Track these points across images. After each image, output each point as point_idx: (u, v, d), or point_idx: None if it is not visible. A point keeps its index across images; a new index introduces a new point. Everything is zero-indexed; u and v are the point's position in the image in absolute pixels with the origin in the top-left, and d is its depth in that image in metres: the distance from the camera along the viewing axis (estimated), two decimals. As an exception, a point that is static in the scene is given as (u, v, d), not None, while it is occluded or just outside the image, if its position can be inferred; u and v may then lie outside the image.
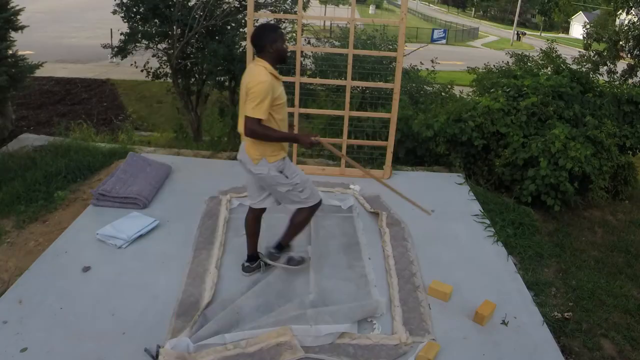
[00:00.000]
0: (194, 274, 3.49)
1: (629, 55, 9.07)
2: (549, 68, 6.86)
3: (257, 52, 3.09)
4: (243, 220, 3.56)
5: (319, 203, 3.35)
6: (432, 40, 33.50)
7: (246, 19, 5.71)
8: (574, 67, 6.81)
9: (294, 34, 6.84)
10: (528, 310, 3.41)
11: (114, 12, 6.42)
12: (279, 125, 3.10)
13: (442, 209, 4.65)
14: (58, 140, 5.73)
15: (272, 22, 7.83)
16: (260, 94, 2.89)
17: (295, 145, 5.22)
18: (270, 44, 3.01)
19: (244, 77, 3.07)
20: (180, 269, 3.55)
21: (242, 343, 2.81)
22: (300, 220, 3.37)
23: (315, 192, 3.32)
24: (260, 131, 2.96)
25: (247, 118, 2.94)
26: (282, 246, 3.49)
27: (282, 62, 3.12)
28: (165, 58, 6.74)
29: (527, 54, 7.73)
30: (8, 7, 6.15)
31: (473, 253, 4.03)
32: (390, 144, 5.18)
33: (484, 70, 7.22)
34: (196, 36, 6.27)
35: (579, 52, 9.25)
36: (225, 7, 6.36)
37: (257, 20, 7.47)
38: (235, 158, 5.61)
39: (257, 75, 2.94)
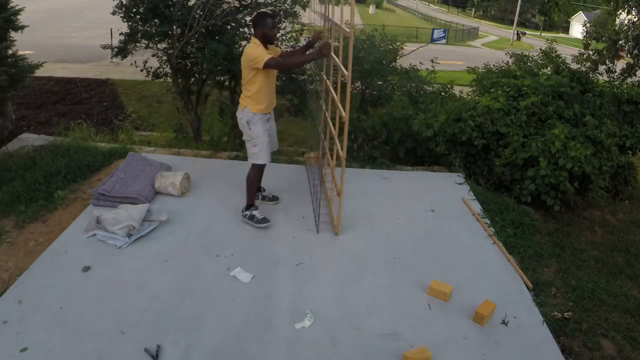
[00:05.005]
0: None
1: (628, 55, 9.05)
2: (549, 68, 6.86)
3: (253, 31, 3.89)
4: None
5: (264, 165, 4.07)
6: (432, 40, 33.48)
7: (247, 18, 5.71)
8: (574, 66, 6.79)
9: (294, 34, 6.83)
10: (528, 310, 3.41)
11: (114, 13, 6.40)
12: (267, 87, 3.83)
13: (442, 209, 4.66)
14: (58, 140, 5.72)
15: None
16: (254, 53, 3.66)
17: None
18: (259, 27, 3.76)
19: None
20: (180, 269, 3.56)
21: None
22: (248, 175, 4.10)
23: (264, 156, 3.97)
24: (276, 64, 3.71)
25: (264, 65, 3.65)
26: (247, 205, 4.17)
27: (268, 42, 3.82)
28: (165, 58, 6.73)
29: (527, 53, 7.71)
30: (8, 7, 6.14)
31: (473, 253, 4.02)
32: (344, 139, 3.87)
33: (484, 70, 7.21)
34: (196, 36, 6.26)
35: (579, 51, 9.23)
36: (225, 7, 6.34)
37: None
38: (235, 158, 5.64)
39: (249, 47, 3.75)
